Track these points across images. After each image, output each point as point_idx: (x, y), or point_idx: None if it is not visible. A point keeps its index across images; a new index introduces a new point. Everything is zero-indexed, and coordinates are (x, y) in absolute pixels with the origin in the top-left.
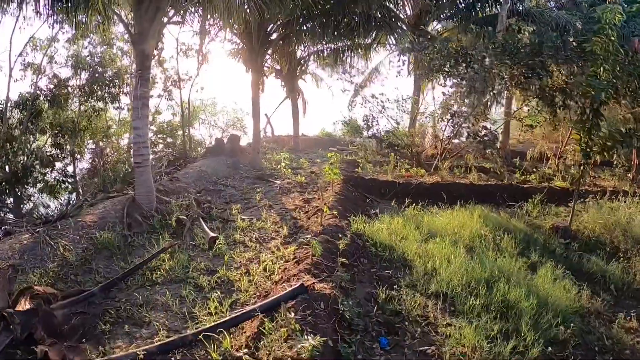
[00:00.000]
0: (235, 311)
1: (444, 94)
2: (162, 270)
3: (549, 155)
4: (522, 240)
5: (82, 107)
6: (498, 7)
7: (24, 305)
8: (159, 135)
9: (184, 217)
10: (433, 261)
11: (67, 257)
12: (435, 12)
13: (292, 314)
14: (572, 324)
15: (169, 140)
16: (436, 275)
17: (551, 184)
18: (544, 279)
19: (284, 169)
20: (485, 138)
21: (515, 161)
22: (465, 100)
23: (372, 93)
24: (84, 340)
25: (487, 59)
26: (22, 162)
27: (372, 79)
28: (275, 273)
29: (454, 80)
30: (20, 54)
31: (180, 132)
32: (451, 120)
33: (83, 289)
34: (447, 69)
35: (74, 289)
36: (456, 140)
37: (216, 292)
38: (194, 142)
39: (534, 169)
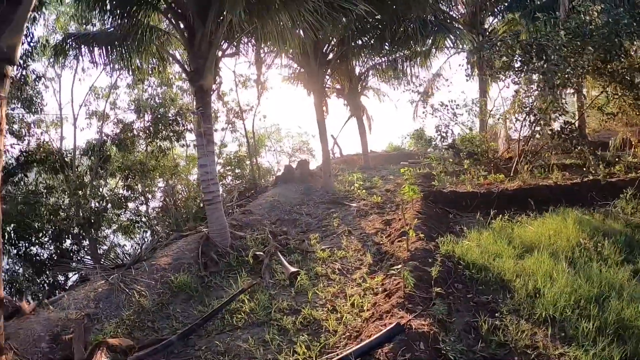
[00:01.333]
0: (326, 357)
1: (517, 92)
2: (242, 313)
3: (633, 143)
4: (624, 243)
5: (149, 148)
6: None
7: (100, 359)
8: (227, 168)
9: (261, 253)
10: (534, 280)
11: (142, 303)
12: (490, 7)
13: None
14: None
15: (237, 171)
16: (540, 297)
17: (638, 174)
18: None
19: (358, 190)
20: (572, 134)
21: (598, 153)
22: (541, 96)
23: (440, 101)
24: None
25: (563, 48)
26: (95, 206)
27: (435, 85)
28: (365, 309)
29: (526, 76)
30: (84, 104)
31: (247, 162)
32: (528, 119)
33: (160, 337)
34: (517, 65)
35: (151, 338)
36: (534, 140)
37: (302, 335)
38: (262, 170)
39: (617, 159)
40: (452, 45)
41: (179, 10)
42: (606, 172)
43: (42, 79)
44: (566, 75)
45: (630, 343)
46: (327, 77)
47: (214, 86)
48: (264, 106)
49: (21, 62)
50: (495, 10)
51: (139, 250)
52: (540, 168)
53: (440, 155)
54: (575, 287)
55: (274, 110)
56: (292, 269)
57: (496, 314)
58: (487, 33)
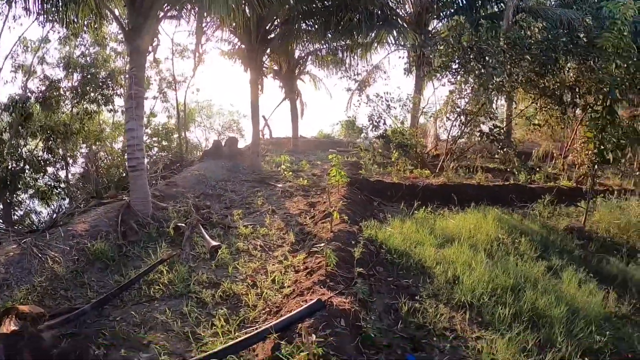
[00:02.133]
0: (245, 331)
1: (451, 92)
2: (160, 284)
3: (554, 155)
4: (540, 242)
5: (75, 110)
6: (501, 4)
7: (8, 327)
8: (153, 139)
9: (183, 225)
10: (453, 268)
11: (56, 270)
12: (436, 11)
13: (313, 335)
14: (606, 332)
15: (164, 143)
16: (459, 284)
17: (556, 183)
18: (569, 284)
19: (285, 172)
20: (500, 136)
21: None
22: (475, 97)
23: (376, 92)
24: None
25: (501, 54)
26: (11, 167)
27: (372, 78)
28: (286, 285)
29: (462, 78)
30: (10, 56)
31: (175, 135)
32: (458, 119)
33: (74, 306)
34: (455, 66)
35: (63, 306)
36: (462, 140)
37: (221, 309)
38: (190, 145)
39: (538, 169)
40: (393, 42)
41: None
42: (527, 178)
43: None
44: (501, 81)
45: (543, 330)
46: (266, 56)
47: (150, 48)
48: (198, 79)
49: None
50: (441, 14)
51: (55, 215)
52: (465, 168)
53: (370, 144)
54: (493, 276)
55: (207, 85)
56: (214, 243)
57: (416, 297)
58: (430, 34)
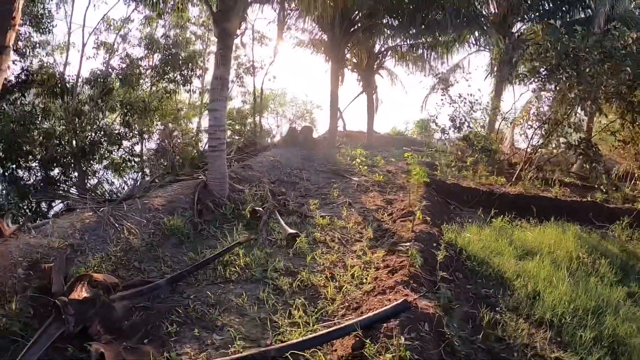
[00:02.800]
0: (325, 324)
1: (537, 98)
2: (236, 267)
3: (636, 175)
4: (619, 266)
5: (154, 88)
6: (589, 10)
7: (81, 292)
8: (228, 121)
9: (260, 209)
10: (534, 283)
11: (131, 242)
12: (522, 13)
13: (402, 337)
14: None
15: (237, 127)
16: (539, 300)
17: (635, 205)
18: None
19: (360, 166)
20: (589, 150)
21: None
22: (566, 105)
23: (459, 93)
24: (146, 341)
25: (598, 64)
26: (89, 137)
27: (454, 78)
28: (366, 282)
29: (549, 84)
30: (94, 32)
31: (249, 120)
32: (542, 128)
33: (147, 279)
34: (544, 71)
35: (137, 278)
36: (542, 150)
37: (299, 298)
38: (263, 131)
39: (615, 188)
40: (475, 42)
41: None
42: (605, 197)
43: None
44: (595, 93)
45: (622, 359)
46: (347, 48)
47: (238, 31)
48: (275, 67)
49: None
50: (526, 17)
51: (133, 187)
52: (542, 180)
53: (450, 146)
54: (574, 296)
55: (284, 74)
56: (291, 231)
57: (496, 309)
58: (515, 37)
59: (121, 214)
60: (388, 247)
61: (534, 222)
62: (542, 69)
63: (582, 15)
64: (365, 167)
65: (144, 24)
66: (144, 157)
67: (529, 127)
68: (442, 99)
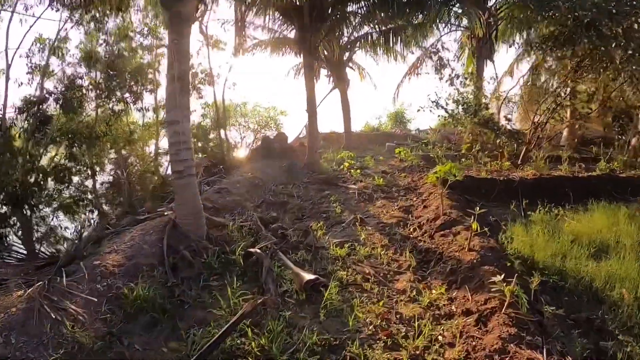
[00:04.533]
0: None
1: (549, 68)
2: (248, 356)
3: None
4: None
5: (99, 111)
6: None
7: None
8: (195, 139)
9: (257, 251)
10: (631, 288)
11: (79, 338)
12: None
13: None
14: None
15: (199, 144)
16: None
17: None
18: None
19: (350, 170)
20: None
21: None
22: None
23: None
24: None
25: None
26: (24, 179)
27: (425, 64)
28: (444, 342)
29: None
30: (26, 55)
31: (212, 135)
32: (555, 102)
33: None
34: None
35: None
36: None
37: None
38: (229, 144)
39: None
40: (453, 22)
41: None
42: (608, 167)
43: None
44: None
45: None
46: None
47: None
48: (234, 74)
49: None
50: None
51: (75, 244)
52: (547, 159)
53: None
54: None
55: (243, 81)
56: (308, 276)
57: (610, 336)
58: (494, 12)
59: (62, 292)
60: (444, 277)
61: (568, 206)
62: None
63: None
64: (358, 171)
65: (83, 42)
66: (98, 193)
67: (536, 101)
68: (448, 79)
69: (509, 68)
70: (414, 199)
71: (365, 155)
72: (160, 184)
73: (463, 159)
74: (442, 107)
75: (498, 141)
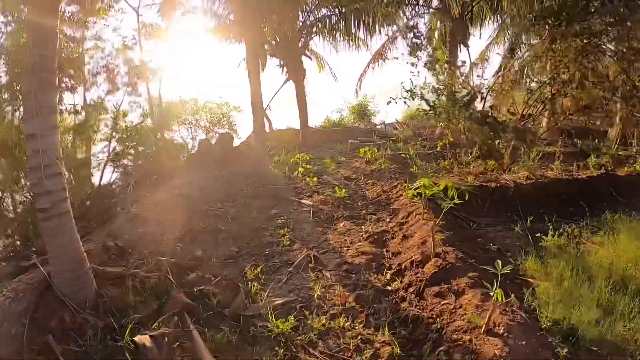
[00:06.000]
0: None
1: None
2: None
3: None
4: None
5: None
6: None
7: None
8: (127, 144)
9: (148, 343)
10: None
11: None
12: None
13: None
14: None
15: (140, 149)
16: None
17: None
18: None
19: (306, 178)
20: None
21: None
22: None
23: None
24: None
25: None
26: None
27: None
28: None
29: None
30: None
31: (155, 137)
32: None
33: None
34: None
35: None
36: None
37: None
38: (175, 146)
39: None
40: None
41: None
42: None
43: None
44: None
45: None
46: (263, 23)
47: None
48: (176, 66)
49: None
50: None
51: None
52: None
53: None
54: None
55: (189, 74)
56: None
57: None
58: None
59: None
60: None
61: (582, 222)
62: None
63: None
64: (314, 178)
65: None
66: None
67: (527, 89)
68: (415, 62)
69: (481, 54)
70: (387, 219)
71: (324, 155)
72: (29, 226)
73: (440, 160)
74: (423, 99)
75: (498, 141)
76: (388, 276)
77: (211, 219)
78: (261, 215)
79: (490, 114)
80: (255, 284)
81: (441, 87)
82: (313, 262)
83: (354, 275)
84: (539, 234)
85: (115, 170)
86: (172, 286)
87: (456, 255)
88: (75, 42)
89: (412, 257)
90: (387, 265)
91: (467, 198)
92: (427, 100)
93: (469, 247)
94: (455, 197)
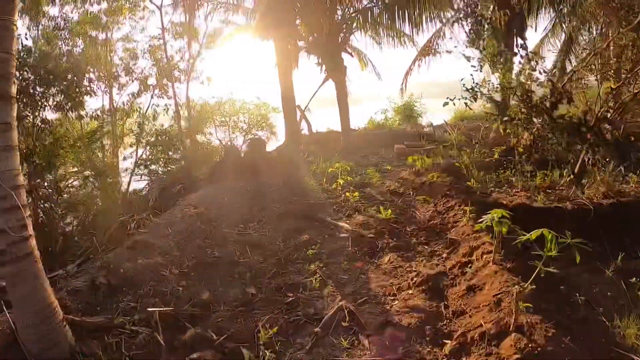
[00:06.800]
0: None
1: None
2: None
3: None
4: None
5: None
6: None
7: None
8: (158, 149)
9: None
10: None
11: None
12: None
13: None
14: None
15: (170, 154)
16: None
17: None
18: None
19: (347, 194)
20: None
21: None
22: None
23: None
24: None
25: None
26: None
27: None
28: None
29: None
30: None
31: (186, 141)
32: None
33: None
34: None
35: None
36: None
37: None
38: (209, 150)
39: None
40: None
41: None
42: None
43: None
44: None
45: None
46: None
47: None
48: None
49: None
50: None
51: None
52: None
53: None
54: None
55: (222, 74)
56: None
57: None
58: None
59: None
60: None
61: None
62: None
63: None
64: (356, 193)
65: None
66: None
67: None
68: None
69: (535, 48)
70: (444, 254)
71: (367, 163)
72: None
73: (500, 170)
74: (491, 100)
75: (596, 156)
76: (447, 350)
77: (228, 246)
78: (289, 242)
79: (583, 121)
80: (268, 353)
81: (512, 85)
82: (347, 319)
83: (401, 347)
84: (634, 278)
85: (143, 177)
86: (160, 349)
87: (546, 331)
88: (99, 44)
89: (481, 324)
90: (447, 331)
91: (535, 222)
92: (496, 102)
93: (554, 301)
94: (554, 250)
